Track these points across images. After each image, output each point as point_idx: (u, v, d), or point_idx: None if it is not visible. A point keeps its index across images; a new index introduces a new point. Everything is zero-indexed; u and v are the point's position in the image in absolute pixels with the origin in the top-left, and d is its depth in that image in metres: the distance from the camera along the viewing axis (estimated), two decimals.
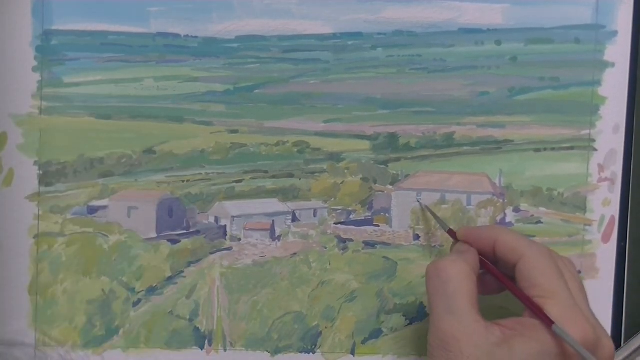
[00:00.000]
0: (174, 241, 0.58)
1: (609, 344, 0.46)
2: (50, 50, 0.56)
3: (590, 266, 0.58)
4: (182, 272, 0.58)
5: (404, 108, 0.58)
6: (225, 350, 0.58)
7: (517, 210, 0.58)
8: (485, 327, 0.45)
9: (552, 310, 0.45)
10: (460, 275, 0.47)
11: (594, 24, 0.57)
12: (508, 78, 0.57)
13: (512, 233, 0.50)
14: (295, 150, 0.58)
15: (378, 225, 0.59)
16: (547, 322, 0.44)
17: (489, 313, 0.46)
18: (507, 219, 0.58)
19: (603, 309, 0.58)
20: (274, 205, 0.58)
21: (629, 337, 0.57)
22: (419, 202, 0.58)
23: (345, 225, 0.59)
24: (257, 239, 0.58)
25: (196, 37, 0.57)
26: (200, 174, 0.58)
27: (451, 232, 0.54)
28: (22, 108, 0.56)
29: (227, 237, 0.58)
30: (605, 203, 0.58)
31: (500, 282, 0.49)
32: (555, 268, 0.47)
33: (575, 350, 0.44)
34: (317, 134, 0.58)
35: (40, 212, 0.57)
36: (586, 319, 0.45)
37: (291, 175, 0.58)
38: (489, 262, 0.50)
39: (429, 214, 0.57)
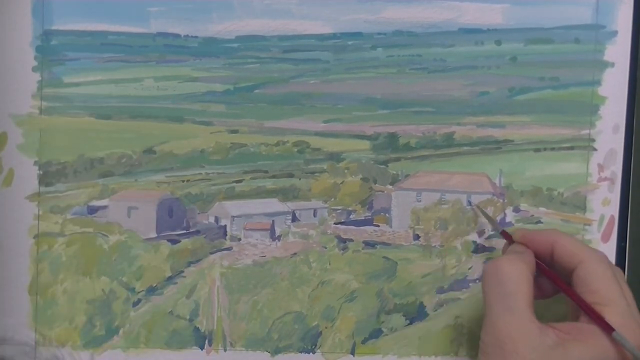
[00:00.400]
0: (174, 241, 0.58)
1: None
2: (50, 50, 0.56)
3: None
4: (182, 272, 0.58)
5: (404, 108, 0.58)
6: (225, 350, 0.58)
7: (517, 210, 0.58)
8: (540, 329, 0.45)
9: (612, 317, 0.45)
10: (519, 276, 0.47)
11: (594, 24, 0.57)
12: (508, 78, 0.57)
13: (570, 237, 0.50)
14: (295, 150, 0.58)
15: (378, 225, 0.59)
16: (608, 329, 0.45)
17: (541, 316, 0.47)
18: (507, 219, 0.58)
19: None
20: (274, 205, 0.58)
21: None
22: (469, 202, 0.58)
23: (345, 225, 0.59)
24: (257, 239, 0.58)
25: (196, 37, 0.57)
26: (200, 174, 0.58)
27: (505, 234, 0.54)
28: (22, 108, 0.56)
29: (227, 237, 0.58)
30: (605, 203, 0.58)
31: (557, 286, 0.49)
32: (612, 275, 0.47)
33: (635, 357, 0.44)
34: (317, 134, 0.58)
35: (40, 212, 0.57)
36: None
37: (291, 175, 0.58)
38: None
39: (481, 214, 0.57)
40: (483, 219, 0.57)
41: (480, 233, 0.58)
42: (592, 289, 0.47)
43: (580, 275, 0.47)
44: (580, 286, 0.47)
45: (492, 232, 0.58)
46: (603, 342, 0.45)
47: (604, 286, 0.46)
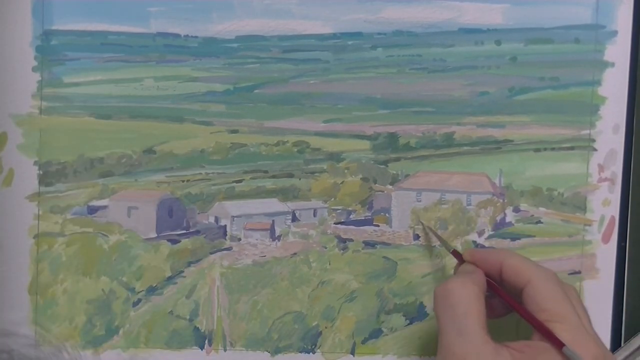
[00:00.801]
0: (174, 241, 0.58)
1: None
2: (50, 50, 0.56)
3: (590, 266, 0.58)
4: (182, 272, 0.58)
5: (404, 108, 0.58)
6: (225, 350, 0.58)
7: (517, 210, 0.58)
8: (495, 349, 0.45)
9: (563, 333, 0.45)
10: (469, 297, 0.46)
11: (594, 24, 0.57)
12: (508, 78, 0.57)
13: (518, 256, 0.50)
14: (295, 150, 0.58)
15: (378, 225, 0.59)
16: (558, 344, 0.45)
17: (495, 335, 0.46)
18: (507, 219, 0.58)
19: (603, 309, 0.58)
20: (274, 205, 0.58)
21: (629, 337, 0.57)
22: (421, 222, 0.58)
23: (345, 225, 0.59)
24: (257, 239, 0.58)
25: (196, 37, 0.57)
26: (200, 174, 0.58)
27: (455, 253, 0.54)
28: (22, 108, 0.56)
29: (227, 237, 0.58)
30: (605, 203, 0.58)
31: (508, 305, 0.49)
32: (562, 292, 0.47)
33: None
34: (317, 134, 0.58)
35: (40, 212, 0.57)
36: (595, 342, 0.46)
37: (291, 175, 0.58)
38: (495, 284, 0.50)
39: (431, 233, 0.57)
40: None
41: (480, 233, 0.58)
42: (543, 307, 0.46)
43: (530, 294, 0.47)
44: (531, 304, 0.47)
45: (492, 232, 0.58)
46: (554, 358, 0.45)
47: (553, 304, 0.46)
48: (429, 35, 0.57)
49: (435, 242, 0.58)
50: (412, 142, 0.58)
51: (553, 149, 0.58)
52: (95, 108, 0.57)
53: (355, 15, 0.57)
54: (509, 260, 0.49)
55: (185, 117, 0.57)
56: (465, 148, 0.58)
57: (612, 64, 0.57)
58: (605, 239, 0.58)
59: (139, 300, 0.58)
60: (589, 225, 0.58)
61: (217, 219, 0.58)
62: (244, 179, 0.58)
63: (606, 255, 0.58)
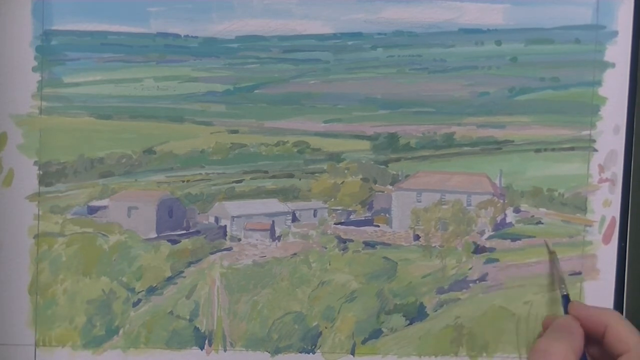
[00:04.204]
0: (174, 241, 0.58)
1: None
2: (50, 50, 0.56)
3: (590, 267, 0.58)
4: (182, 272, 0.58)
5: (404, 108, 0.58)
6: (225, 350, 0.58)
7: (517, 210, 0.58)
8: None
9: None
10: None
11: (594, 24, 0.57)
12: (508, 78, 0.57)
13: (624, 322, 0.50)
14: (295, 150, 0.58)
15: (378, 226, 0.59)
16: None
17: None
18: (508, 220, 0.58)
19: None
20: (274, 205, 0.58)
21: None
22: (545, 243, 0.58)
23: (345, 225, 0.59)
24: (257, 239, 0.58)
25: (196, 37, 0.57)
26: (200, 174, 0.58)
27: (566, 299, 0.54)
28: (22, 108, 0.56)
29: (227, 237, 0.58)
30: (605, 204, 0.58)
31: None
32: None
33: None
34: (317, 134, 0.58)
35: (40, 212, 0.57)
36: None
37: (291, 176, 0.58)
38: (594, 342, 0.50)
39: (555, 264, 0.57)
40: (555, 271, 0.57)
41: (481, 233, 0.58)
42: None
43: None
44: None
45: (492, 233, 0.58)
46: None
47: None
48: (429, 36, 0.57)
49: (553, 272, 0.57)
50: (412, 143, 0.58)
51: (553, 149, 0.58)
52: (95, 108, 0.57)
53: (355, 15, 0.57)
54: (615, 327, 0.50)
55: (185, 117, 0.57)
56: (466, 148, 0.58)
57: (613, 65, 0.57)
58: (606, 239, 0.58)
59: (139, 301, 0.58)
60: (590, 226, 0.58)
61: (217, 219, 0.58)
62: (244, 179, 0.58)
63: (607, 256, 0.58)
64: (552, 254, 0.57)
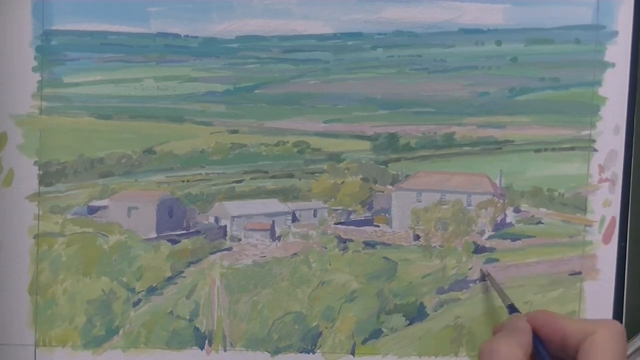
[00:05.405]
0: (174, 241, 0.58)
1: None
2: (50, 50, 0.56)
3: (590, 267, 0.58)
4: (182, 272, 0.58)
5: (404, 108, 0.58)
6: (225, 350, 0.58)
7: (517, 210, 0.58)
8: None
9: None
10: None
11: (594, 24, 0.57)
12: (508, 78, 0.57)
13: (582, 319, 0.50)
14: (295, 150, 0.58)
15: (378, 226, 0.59)
16: None
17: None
18: (508, 220, 0.58)
19: (603, 310, 0.58)
20: (274, 205, 0.58)
21: (629, 337, 0.57)
22: (481, 270, 0.58)
23: (345, 225, 0.59)
24: (257, 239, 0.58)
25: (196, 37, 0.57)
26: (200, 174, 0.58)
27: (511, 307, 0.54)
28: (22, 108, 0.56)
29: (227, 237, 0.58)
30: (605, 204, 0.58)
31: None
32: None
33: None
34: (317, 134, 0.58)
35: (40, 212, 0.57)
36: None
37: (291, 176, 0.58)
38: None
39: (493, 282, 0.57)
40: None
41: (481, 233, 0.58)
42: None
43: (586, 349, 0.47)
44: None
45: (492, 233, 0.58)
46: None
47: None
48: (429, 36, 0.57)
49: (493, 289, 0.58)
50: (412, 143, 0.58)
51: (553, 149, 0.58)
52: (95, 108, 0.57)
53: (355, 15, 0.57)
54: (573, 322, 0.49)
55: (185, 117, 0.57)
56: (466, 148, 0.58)
57: (613, 65, 0.57)
58: (606, 239, 0.58)
59: (139, 301, 0.58)
60: (590, 225, 0.58)
61: (217, 219, 0.58)
62: (244, 179, 0.58)
63: (607, 256, 0.58)
64: (487, 275, 0.58)
